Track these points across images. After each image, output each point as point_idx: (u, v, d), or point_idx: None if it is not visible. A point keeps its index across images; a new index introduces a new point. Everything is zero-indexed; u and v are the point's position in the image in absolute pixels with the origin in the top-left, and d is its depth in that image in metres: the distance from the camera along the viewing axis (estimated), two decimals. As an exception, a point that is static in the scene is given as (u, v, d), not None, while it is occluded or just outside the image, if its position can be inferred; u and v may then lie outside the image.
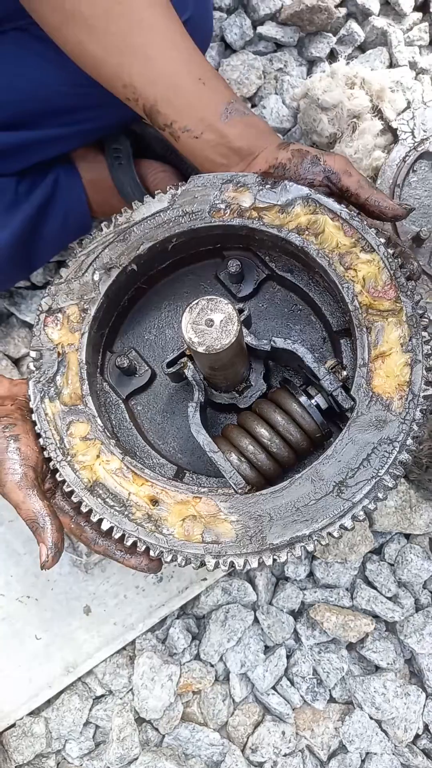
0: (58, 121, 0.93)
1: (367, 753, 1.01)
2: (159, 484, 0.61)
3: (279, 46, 1.20)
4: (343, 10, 1.18)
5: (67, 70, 0.84)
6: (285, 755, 1.00)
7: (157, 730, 1.01)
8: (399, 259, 0.65)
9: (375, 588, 1.05)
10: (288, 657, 1.04)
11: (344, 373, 0.62)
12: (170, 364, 0.66)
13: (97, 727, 1.01)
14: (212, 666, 1.04)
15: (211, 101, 0.75)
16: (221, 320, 0.55)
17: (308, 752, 1.02)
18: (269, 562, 0.58)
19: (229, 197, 0.69)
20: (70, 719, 0.98)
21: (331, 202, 0.67)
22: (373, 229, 0.66)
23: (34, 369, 0.66)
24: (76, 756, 0.99)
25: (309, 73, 1.19)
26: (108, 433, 0.63)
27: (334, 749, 1.02)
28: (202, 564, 0.60)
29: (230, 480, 0.60)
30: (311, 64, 1.19)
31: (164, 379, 0.74)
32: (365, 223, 0.67)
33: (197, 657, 1.04)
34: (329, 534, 0.58)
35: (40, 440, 0.64)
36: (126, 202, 0.95)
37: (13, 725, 0.98)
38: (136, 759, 0.97)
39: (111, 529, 0.61)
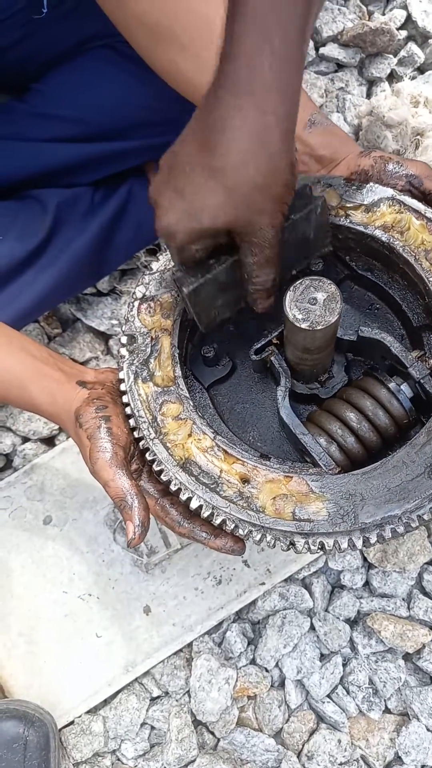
0: (139, 134, 0.98)
1: (423, 765, 1.00)
2: (250, 462, 0.62)
3: (340, 66, 1.25)
4: (403, 33, 1.23)
5: (153, 85, 0.89)
6: (341, 764, 0.99)
7: (212, 733, 1.00)
8: None
9: (432, 598, 1.05)
10: (344, 665, 1.04)
11: (431, 361, 0.64)
12: (258, 352, 0.68)
13: (152, 728, 1.01)
14: (268, 671, 1.03)
15: None
16: (325, 299, 0.57)
17: (363, 762, 1.01)
18: (359, 544, 0.59)
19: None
20: (127, 719, 0.99)
21: (415, 203, 0.70)
22: None
23: (126, 354, 0.69)
24: (131, 757, 0.99)
25: (369, 92, 1.24)
26: (199, 413, 0.65)
27: (390, 760, 1.01)
28: (291, 545, 0.61)
29: (320, 461, 0.62)
30: (371, 84, 1.24)
31: (245, 370, 0.76)
32: None
33: (253, 662, 1.04)
34: (419, 517, 0.59)
35: (131, 421, 0.67)
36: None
37: (72, 722, 0.98)
38: (194, 761, 0.97)
39: (200, 507, 0.63)
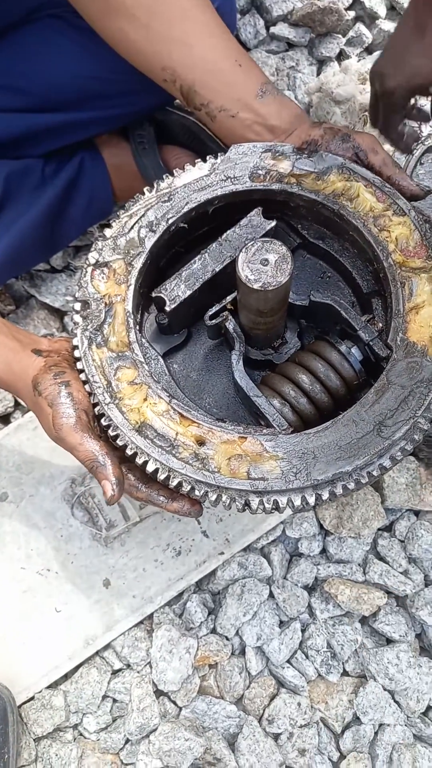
0: (91, 105, 0.96)
1: (380, 724, 1.03)
2: (205, 424, 0.63)
3: (291, 45, 1.26)
4: (351, 13, 1.24)
5: (103, 56, 0.88)
6: (301, 726, 1.01)
7: (174, 702, 1.02)
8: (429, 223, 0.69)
9: (387, 562, 1.08)
10: (302, 631, 1.06)
11: (380, 325, 0.66)
12: (212, 317, 0.69)
13: (114, 701, 1.02)
14: (228, 639, 1.05)
15: (247, 82, 0.79)
16: (276, 260, 0.58)
17: (322, 724, 1.04)
18: (312, 500, 0.61)
19: (269, 164, 0.73)
20: (88, 692, 0.99)
21: (364, 171, 0.72)
22: None
23: (80, 320, 0.69)
24: (94, 730, 1.00)
25: (319, 71, 1.25)
26: (154, 378, 0.66)
27: (348, 721, 1.04)
28: (246, 505, 0.62)
29: (274, 422, 0.63)
30: (321, 63, 1.25)
31: (200, 338, 0.77)
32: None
33: (214, 631, 1.06)
34: (369, 474, 0.61)
35: (87, 387, 0.67)
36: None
37: (32, 698, 0.98)
38: (156, 729, 0.98)
39: (156, 470, 0.63)
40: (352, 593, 1.04)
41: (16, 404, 1.13)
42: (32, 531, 1.02)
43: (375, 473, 0.61)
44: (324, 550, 1.10)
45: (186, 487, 0.62)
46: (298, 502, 0.61)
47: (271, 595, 1.07)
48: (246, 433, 0.63)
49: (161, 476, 0.63)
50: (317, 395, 0.65)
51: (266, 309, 0.62)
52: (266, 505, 0.61)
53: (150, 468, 0.63)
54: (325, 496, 0.60)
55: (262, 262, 0.58)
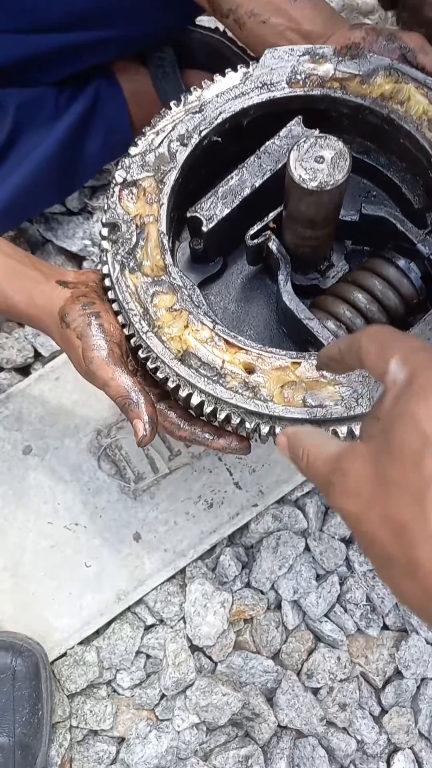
0: (103, 23, 0.89)
1: (423, 678, 0.99)
2: (255, 350, 0.58)
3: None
4: None
5: None
6: (341, 681, 0.98)
7: (210, 658, 0.98)
8: None
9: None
10: (341, 584, 1.02)
11: (440, 237, 0.60)
12: (254, 237, 0.63)
13: (148, 656, 0.98)
14: (263, 594, 1.01)
15: None
16: (332, 156, 0.52)
17: (362, 679, 1.00)
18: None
19: (308, 68, 0.66)
20: (122, 648, 0.95)
21: (415, 71, 0.65)
22: None
23: (108, 246, 0.63)
24: (128, 686, 0.96)
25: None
26: (195, 303, 0.60)
27: (389, 675, 1.00)
28: None
29: (329, 346, 0.57)
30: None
31: (236, 267, 0.71)
32: None
33: (248, 585, 1.01)
34: None
35: (120, 317, 0.61)
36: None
37: (64, 654, 0.95)
38: (192, 684, 0.94)
39: (202, 403, 0.58)
40: (393, 543, 0.99)
41: (36, 355, 1.08)
42: (58, 485, 0.98)
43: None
44: (361, 500, 1.05)
45: (235, 420, 0.57)
46: (357, 431, 0.55)
47: (307, 548, 1.03)
48: (299, 357, 0.57)
49: (207, 409, 0.57)
50: (374, 315, 0.59)
51: (318, 218, 0.56)
52: (323, 436, 0.55)
53: (195, 401, 0.58)
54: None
55: (317, 160, 0.52)
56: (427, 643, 0.99)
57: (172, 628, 0.98)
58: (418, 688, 0.99)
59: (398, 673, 1.00)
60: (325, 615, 1.01)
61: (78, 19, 0.88)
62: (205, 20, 1.05)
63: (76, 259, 1.10)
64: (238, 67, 0.69)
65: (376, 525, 0.33)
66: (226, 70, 0.69)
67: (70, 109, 0.92)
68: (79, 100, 0.93)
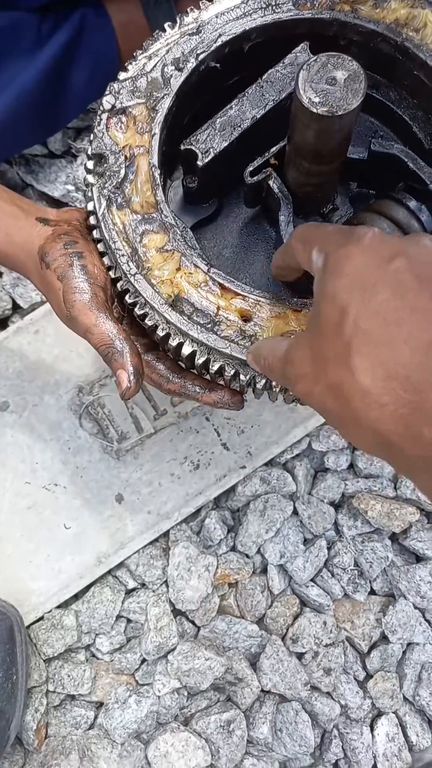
0: None
1: (409, 643, 0.98)
2: (252, 297, 0.53)
3: None
4: None
5: None
6: (326, 646, 0.96)
7: (192, 622, 0.95)
8: None
9: (419, 476, 1.00)
10: (328, 548, 0.99)
11: (454, 179, 0.55)
12: (253, 173, 0.58)
13: (128, 621, 0.95)
14: (249, 558, 0.98)
15: None
16: (346, 78, 0.47)
17: (348, 644, 0.98)
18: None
19: (317, -12, 0.60)
20: (102, 612, 0.92)
21: (433, -5, 0.59)
22: None
23: (93, 180, 0.57)
24: (107, 651, 0.94)
25: None
26: (188, 244, 0.55)
27: (375, 640, 0.98)
28: None
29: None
30: None
31: (233, 210, 0.66)
32: None
33: (234, 549, 0.98)
34: None
35: (106, 258, 0.56)
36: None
37: (41, 618, 0.91)
38: (174, 649, 0.91)
39: (193, 353, 0.53)
40: (383, 508, 0.97)
41: (15, 307, 1.02)
42: (37, 443, 0.93)
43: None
44: (352, 465, 1.02)
45: (229, 372, 0.53)
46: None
47: (295, 512, 1.00)
48: (300, 305, 0.52)
49: (200, 360, 0.53)
50: (382, 261, 0.54)
51: (326, 150, 0.51)
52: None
53: (186, 350, 0.53)
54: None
55: (329, 81, 0.47)
56: (415, 607, 0.97)
57: (154, 592, 0.95)
58: (404, 653, 0.98)
59: (384, 638, 0.98)
60: (312, 579, 0.98)
61: None
62: None
63: (58, 205, 1.04)
64: None
65: (323, 396, 0.38)
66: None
67: (53, 39, 0.85)
68: (63, 29, 0.86)
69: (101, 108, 0.58)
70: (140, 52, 0.61)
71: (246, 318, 0.53)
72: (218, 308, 0.53)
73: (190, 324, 0.53)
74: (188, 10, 0.62)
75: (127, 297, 0.55)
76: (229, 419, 0.97)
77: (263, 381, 0.52)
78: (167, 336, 0.54)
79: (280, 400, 0.54)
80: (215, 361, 0.53)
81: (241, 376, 0.53)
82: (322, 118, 0.46)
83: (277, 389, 0.53)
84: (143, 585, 0.96)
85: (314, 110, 0.46)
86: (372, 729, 0.94)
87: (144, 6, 0.89)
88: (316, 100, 0.46)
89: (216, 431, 0.96)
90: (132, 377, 0.53)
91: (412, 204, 0.54)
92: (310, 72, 0.47)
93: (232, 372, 0.53)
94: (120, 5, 0.91)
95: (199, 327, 0.52)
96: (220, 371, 0.53)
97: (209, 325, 0.53)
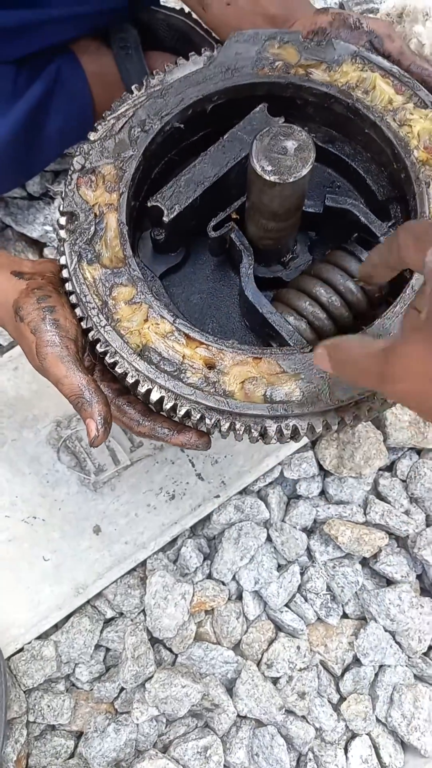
0: (58, 0, 0.86)
1: (381, 665, 1.01)
2: (215, 346, 0.57)
3: None
4: None
5: None
6: (300, 670, 0.98)
7: (170, 650, 0.97)
8: None
9: (388, 503, 1.04)
10: (301, 574, 1.02)
11: (403, 231, 0.59)
12: (216, 227, 0.62)
13: (107, 650, 0.98)
14: (225, 584, 1.01)
15: None
16: (296, 147, 0.51)
17: (322, 667, 1.01)
18: (334, 425, 0.55)
19: (274, 54, 0.65)
20: (80, 641, 0.94)
21: (381, 60, 0.64)
22: None
23: (66, 235, 0.61)
24: (87, 680, 0.95)
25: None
26: (155, 296, 0.58)
27: (348, 663, 1.01)
28: (263, 434, 0.56)
29: (290, 340, 0.57)
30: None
31: (199, 258, 0.70)
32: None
33: (209, 576, 1.01)
34: None
35: (78, 310, 0.60)
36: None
37: (21, 649, 0.93)
38: (152, 677, 0.93)
39: (162, 399, 0.56)
40: (353, 534, 1.00)
41: (-7, 343, 1.05)
42: (16, 477, 0.96)
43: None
44: (323, 492, 1.05)
45: (195, 416, 0.56)
46: (319, 427, 0.55)
47: (269, 539, 1.03)
48: (261, 353, 0.56)
49: (167, 404, 0.56)
50: (336, 309, 0.59)
51: (282, 210, 0.55)
52: (284, 432, 0.55)
53: (154, 396, 0.56)
54: (349, 419, 0.55)
55: (280, 151, 0.51)
56: (385, 630, 1.00)
57: (132, 621, 0.97)
58: (376, 675, 1.01)
59: (357, 661, 1.01)
60: (286, 605, 1.01)
61: None
62: (170, 1, 1.03)
63: (37, 245, 1.08)
64: (202, 50, 0.67)
65: None
66: (190, 54, 0.67)
67: (30, 90, 0.89)
68: (38, 81, 0.90)
69: (72, 168, 0.62)
70: (109, 113, 0.65)
71: (210, 365, 0.56)
72: (183, 357, 0.56)
73: (157, 372, 0.56)
74: (154, 72, 0.67)
75: (98, 346, 0.58)
76: (204, 454, 1.00)
77: (227, 424, 0.56)
78: (137, 383, 0.57)
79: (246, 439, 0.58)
80: (182, 406, 0.56)
81: (207, 420, 0.56)
82: (274, 184, 0.50)
83: (242, 430, 0.57)
84: (121, 614, 0.98)
85: (267, 177, 0.50)
86: (346, 751, 0.97)
87: (116, 59, 0.94)
88: (269, 168, 0.50)
89: (191, 462, 0.99)
90: (100, 426, 0.56)
91: (364, 256, 0.58)
92: (262, 142, 0.51)
93: (199, 416, 0.56)
94: (93, 57, 0.95)
95: (165, 375, 0.56)
96: (187, 415, 0.57)
97: (175, 373, 0.56)
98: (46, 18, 0.85)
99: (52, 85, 0.91)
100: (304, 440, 1.01)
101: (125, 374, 0.57)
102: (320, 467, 1.04)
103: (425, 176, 0.60)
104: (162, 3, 0.97)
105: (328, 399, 0.54)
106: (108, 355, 0.58)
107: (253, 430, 0.55)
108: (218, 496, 0.99)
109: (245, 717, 0.96)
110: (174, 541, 1.01)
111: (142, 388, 0.57)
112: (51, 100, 0.91)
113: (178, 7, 0.97)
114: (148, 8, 0.95)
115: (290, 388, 0.55)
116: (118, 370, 0.57)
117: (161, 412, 0.60)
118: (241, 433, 0.56)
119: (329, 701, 0.99)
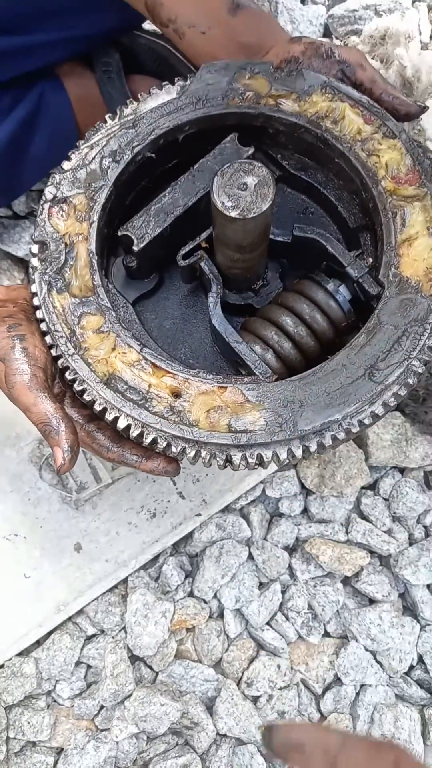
0: (46, 25, 0.87)
1: (362, 685, 1.01)
2: (181, 375, 0.57)
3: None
4: None
5: None
6: (280, 689, 0.99)
7: (150, 667, 0.98)
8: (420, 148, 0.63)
9: (370, 521, 1.04)
10: (283, 592, 1.03)
11: (370, 260, 0.60)
12: (185, 257, 0.62)
13: (88, 666, 0.98)
14: (206, 603, 1.01)
15: None
16: (256, 183, 0.51)
17: (303, 686, 1.01)
18: (298, 452, 0.55)
19: (244, 84, 0.66)
20: (61, 658, 0.95)
21: (350, 90, 0.65)
22: None
23: (37, 263, 0.62)
24: (67, 697, 0.96)
25: None
26: (123, 325, 0.59)
27: (329, 682, 1.01)
28: (228, 461, 0.57)
29: (256, 370, 0.57)
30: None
31: (173, 284, 0.70)
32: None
33: (191, 594, 1.01)
34: (360, 422, 0.56)
35: (48, 338, 0.60)
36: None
37: (1, 666, 0.93)
38: (131, 695, 0.94)
39: (128, 426, 0.57)
40: (334, 553, 1.00)
41: (-23, 361, 1.05)
42: (-3, 494, 0.96)
43: (366, 421, 0.56)
44: (305, 510, 1.06)
45: (161, 444, 0.57)
46: (283, 455, 0.55)
47: (251, 557, 1.03)
48: (225, 382, 0.57)
49: (134, 433, 0.57)
50: (302, 339, 0.59)
51: (246, 243, 0.55)
52: (249, 460, 0.55)
53: (121, 424, 0.57)
54: (313, 447, 0.55)
55: (240, 187, 0.51)
56: (366, 650, 1.00)
57: (113, 638, 0.97)
58: (357, 694, 1.01)
59: (338, 680, 1.01)
60: (267, 623, 1.01)
61: (22, 20, 0.86)
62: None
63: (22, 263, 1.09)
64: (176, 80, 0.68)
65: None
66: (164, 83, 0.68)
67: (14, 113, 0.90)
68: (22, 104, 0.91)
69: (44, 197, 0.63)
70: (83, 142, 0.66)
71: (176, 394, 0.57)
72: (150, 385, 0.57)
73: (123, 401, 0.57)
74: (128, 101, 0.67)
75: (66, 374, 0.59)
76: (185, 468, 1.00)
77: (193, 452, 0.56)
78: (104, 410, 0.58)
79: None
80: (148, 434, 0.57)
81: (173, 447, 0.57)
82: (235, 219, 0.51)
83: (207, 458, 0.57)
84: (102, 631, 0.99)
85: (227, 213, 0.51)
86: (325, 770, 0.96)
87: (99, 82, 0.95)
88: (229, 204, 0.51)
89: (172, 480, 1.00)
90: (67, 455, 0.57)
91: (330, 286, 0.59)
92: (223, 178, 0.52)
93: (165, 444, 0.57)
94: (76, 81, 0.96)
95: (131, 403, 0.57)
96: (154, 442, 0.57)
97: (141, 402, 0.57)
98: (31, 43, 0.87)
99: (36, 108, 0.92)
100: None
101: (93, 402, 0.58)
102: (302, 486, 1.04)
103: (392, 206, 0.60)
104: (146, 27, 0.98)
105: (292, 429, 0.54)
106: (76, 382, 0.59)
107: (218, 458, 0.56)
108: (199, 515, 1.00)
109: (225, 735, 0.96)
110: (156, 558, 1.01)
111: (110, 416, 0.57)
112: (35, 123, 0.92)
113: (160, 32, 0.99)
114: (130, 33, 0.96)
115: (254, 417, 0.55)
116: (86, 397, 0.58)
117: (130, 439, 0.61)
118: (207, 461, 0.57)
119: (309, 720, 0.99)
